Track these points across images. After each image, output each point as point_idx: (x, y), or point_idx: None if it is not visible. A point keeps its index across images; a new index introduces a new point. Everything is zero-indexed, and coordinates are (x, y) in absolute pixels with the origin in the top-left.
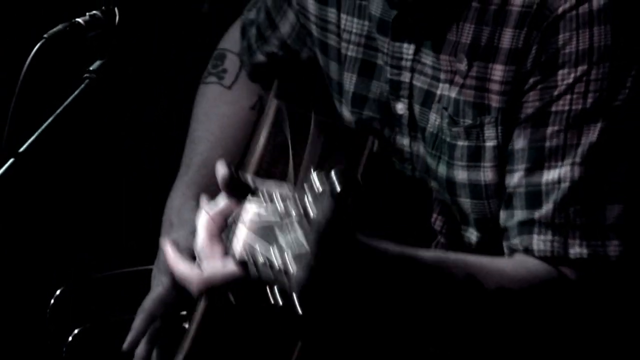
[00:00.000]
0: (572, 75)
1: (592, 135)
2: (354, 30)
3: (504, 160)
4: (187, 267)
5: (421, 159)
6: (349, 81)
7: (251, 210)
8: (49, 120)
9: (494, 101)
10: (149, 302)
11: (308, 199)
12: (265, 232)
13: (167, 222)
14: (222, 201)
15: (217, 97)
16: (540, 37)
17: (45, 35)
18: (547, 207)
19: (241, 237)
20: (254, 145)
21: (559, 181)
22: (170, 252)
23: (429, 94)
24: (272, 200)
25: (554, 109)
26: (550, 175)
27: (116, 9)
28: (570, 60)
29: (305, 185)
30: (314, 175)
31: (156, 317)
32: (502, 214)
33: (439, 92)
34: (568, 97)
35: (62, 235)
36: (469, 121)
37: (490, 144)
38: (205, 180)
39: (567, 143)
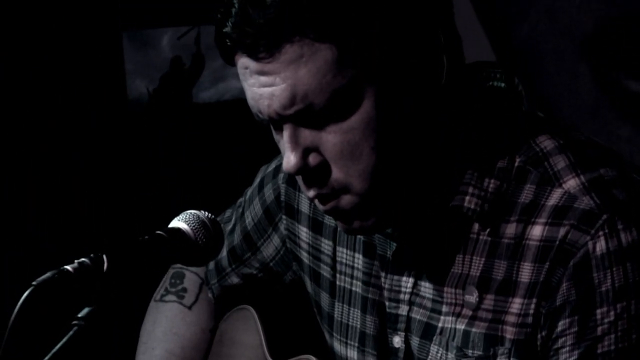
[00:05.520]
0: (612, 312)
1: None
2: (350, 264)
3: None
4: None
5: None
6: (342, 314)
7: None
8: None
9: (509, 332)
10: None
11: None
12: None
13: None
14: None
15: (176, 317)
16: (571, 275)
17: (33, 283)
18: None
19: None
20: None
21: None
22: None
23: (428, 327)
24: None
25: (600, 350)
26: None
27: (104, 257)
28: (609, 298)
29: None
30: None
31: None
32: None
33: (440, 324)
34: (612, 335)
35: None
36: (479, 352)
37: None
38: None
39: None
